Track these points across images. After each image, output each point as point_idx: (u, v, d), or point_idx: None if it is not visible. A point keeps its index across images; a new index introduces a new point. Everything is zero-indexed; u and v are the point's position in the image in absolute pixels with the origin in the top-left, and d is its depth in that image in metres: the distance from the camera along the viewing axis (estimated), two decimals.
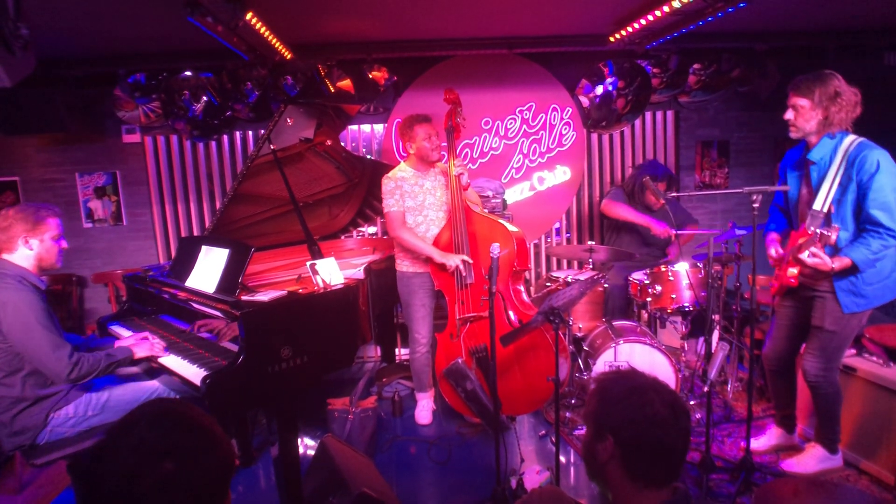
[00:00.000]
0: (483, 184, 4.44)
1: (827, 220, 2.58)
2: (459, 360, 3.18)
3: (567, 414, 3.56)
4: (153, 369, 2.76)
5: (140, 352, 2.55)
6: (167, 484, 0.96)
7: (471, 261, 3.26)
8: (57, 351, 2.30)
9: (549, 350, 3.11)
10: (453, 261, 3.24)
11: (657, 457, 1.26)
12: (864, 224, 2.54)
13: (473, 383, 3.12)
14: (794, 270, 2.70)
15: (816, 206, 2.60)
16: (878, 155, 2.48)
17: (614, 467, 1.28)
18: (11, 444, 2.39)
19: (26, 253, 2.42)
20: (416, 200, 3.45)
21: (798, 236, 2.71)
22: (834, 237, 2.43)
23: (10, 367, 2.34)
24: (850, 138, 2.58)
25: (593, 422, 1.32)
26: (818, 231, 2.44)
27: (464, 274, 3.25)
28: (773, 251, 2.87)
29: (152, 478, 0.95)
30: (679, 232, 3.78)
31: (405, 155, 3.60)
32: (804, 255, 2.55)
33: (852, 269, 2.55)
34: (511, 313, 3.23)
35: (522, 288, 3.45)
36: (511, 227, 3.32)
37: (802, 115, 2.59)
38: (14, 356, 2.33)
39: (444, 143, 3.47)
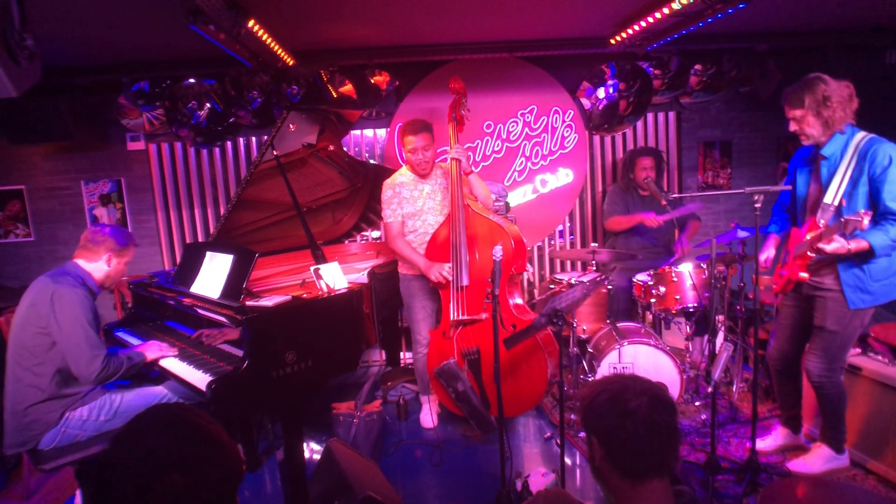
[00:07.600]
0: None
1: (837, 213, 2.60)
2: (452, 361, 3.17)
3: (572, 416, 3.56)
4: (162, 375, 2.79)
5: (151, 354, 2.63)
6: (176, 495, 0.96)
7: (450, 277, 3.24)
8: (94, 350, 2.43)
9: (535, 350, 3.11)
10: (433, 273, 3.26)
11: (635, 448, 1.28)
12: (881, 217, 2.54)
13: (465, 385, 3.12)
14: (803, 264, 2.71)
15: (827, 199, 2.63)
16: (890, 149, 2.52)
17: (606, 467, 1.33)
18: (19, 437, 2.44)
19: (102, 267, 2.66)
20: (415, 206, 3.44)
21: (802, 233, 2.73)
22: (866, 221, 2.35)
23: (44, 357, 2.44)
24: (861, 134, 2.61)
25: (583, 428, 1.40)
26: (844, 218, 2.39)
27: (449, 279, 3.25)
28: (764, 257, 2.96)
29: (161, 489, 0.95)
30: (665, 217, 3.95)
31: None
32: (827, 246, 2.50)
33: (861, 260, 2.57)
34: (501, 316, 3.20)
35: (517, 294, 3.42)
36: (509, 228, 3.30)
37: (804, 123, 2.63)
38: (50, 346, 2.43)
39: (442, 150, 3.43)
